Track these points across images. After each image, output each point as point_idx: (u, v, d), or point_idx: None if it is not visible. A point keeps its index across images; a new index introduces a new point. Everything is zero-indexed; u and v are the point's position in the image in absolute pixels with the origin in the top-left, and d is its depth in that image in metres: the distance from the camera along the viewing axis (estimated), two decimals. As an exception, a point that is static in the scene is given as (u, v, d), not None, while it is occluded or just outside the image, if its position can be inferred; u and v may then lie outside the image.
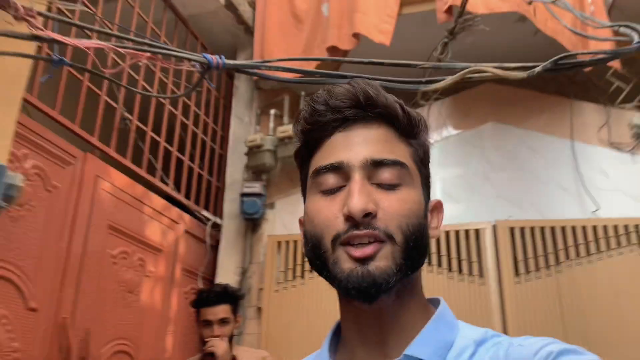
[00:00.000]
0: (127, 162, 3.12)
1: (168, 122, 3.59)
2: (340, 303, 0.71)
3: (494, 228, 3.42)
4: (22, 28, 1.30)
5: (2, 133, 1.84)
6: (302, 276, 3.59)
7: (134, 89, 2.04)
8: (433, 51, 3.23)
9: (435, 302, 0.73)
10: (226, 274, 3.72)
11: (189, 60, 1.48)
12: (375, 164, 0.66)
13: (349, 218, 0.63)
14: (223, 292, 2.75)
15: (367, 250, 0.62)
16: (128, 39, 1.44)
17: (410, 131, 0.71)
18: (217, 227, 3.89)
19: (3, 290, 2.23)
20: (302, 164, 0.75)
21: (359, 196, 0.63)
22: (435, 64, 1.61)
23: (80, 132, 2.77)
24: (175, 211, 3.50)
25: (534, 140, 3.68)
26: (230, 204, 3.94)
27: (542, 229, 3.35)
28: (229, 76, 4.38)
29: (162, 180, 3.45)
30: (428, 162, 0.75)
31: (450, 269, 3.40)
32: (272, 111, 4.04)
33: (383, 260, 0.62)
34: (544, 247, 3.32)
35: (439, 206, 0.75)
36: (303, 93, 4.05)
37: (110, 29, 2.77)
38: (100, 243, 2.80)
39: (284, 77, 1.59)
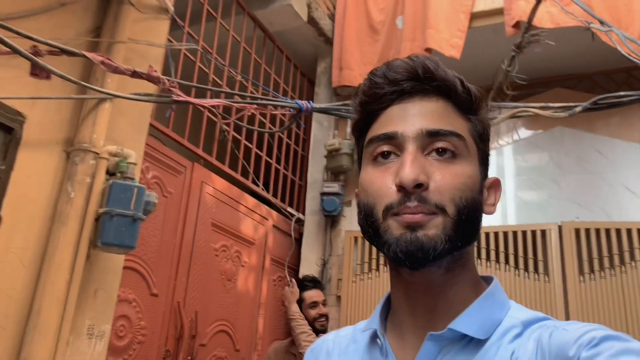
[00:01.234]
0: (226, 168, 3.60)
1: (258, 130, 4.04)
2: (390, 274, 0.72)
3: (560, 229, 3.61)
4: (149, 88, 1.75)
5: (137, 157, 2.32)
6: (377, 269, 3.95)
7: (253, 127, 2.46)
8: (501, 64, 3.45)
9: (488, 280, 0.72)
10: (309, 265, 4.16)
11: (287, 107, 1.86)
12: (431, 135, 0.66)
13: (401, 188, 0.63)
14: (319, 280, 3.27)
15: (417, 217, 0.63)
16: (242, 95, 1.85)
17: (469, 107, 0.70)
18: (300, 222, 4.33)
19: (133, 279, 2.76)
20: (359, 137, 0.75)
21: (410, 166, 0.63)
22: (490, 103, 1.88)
23: (188, 144, 3.26)
24: (264, 208, 3.97)
25: (603, 144, 3.81)
26: (312, 201, 4.36)
27: (608, 230, 3.51)
28: (310, 83, 4.77)
29: (254, 182, 3.92)
30: (487, 139, 0.73)
31: (517, 267, 3.63)
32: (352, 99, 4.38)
33: (432, 229, 0.63)
34: (609, 249, 3.47)
35: (496, 184, 0.74)
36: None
37: (210, 52, 3.22)
38: (205, 238, 3.30)
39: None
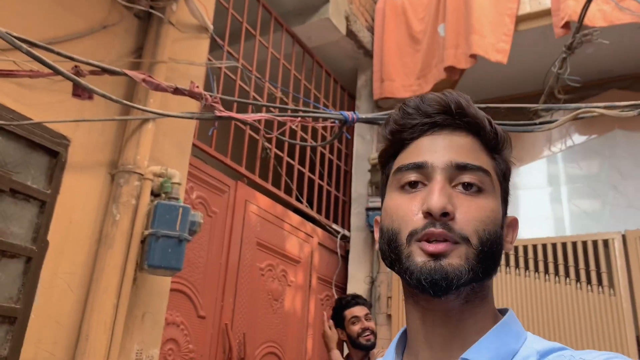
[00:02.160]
0: (269, 186, 3.55)
1: (300, 146, 3.99)
2: (406, 304, 0.72)
3: (624, 238, 3.39)
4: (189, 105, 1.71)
5: (182, 177, 2.29)
6: (428, 285, 3.79)
7: (294, 141, 2.41)
8: (551, 67, 3.30)
9: (504, 312, 0.73)
10: (356, 282, 4.04)
11: (330, 119, 1.79)
12: (459, 168, 0.68)
13: (428, 215, 0.65)
14: (358, 295, 3.11)
15: (441, 246, 0.64)
16: (281, 107, 1.79)
17: (495, 145, 0.72)
18: (346, 239, 4.23)
19: (180, 302, 2.72)
20: (384, 164, 0.77)
21: (439, 195, 0.65)
22: (549, 105, 1.75)
23: (231, 163, 3.23)
24: (309, 226, 3.89)
25: (666, 146, 3.58)
26: (357, 217, 4.26)
27: (678, 239, 3.27)
28: (350, 97, 4.71)
29: (297, 199, 3.85)
30: (509, 178, 0.76)
31: (578, 280, 3.43)
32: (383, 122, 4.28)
33: (456, 259, 0.64)
34: (680, 258, 3.23)
35: (514, 223, 0.76)
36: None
37: (250, 70, 3.20)
38: (250, 257, 3.24)
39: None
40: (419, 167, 0.68)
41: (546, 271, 3.52)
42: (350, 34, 4.26)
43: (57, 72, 1.36)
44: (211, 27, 2.63)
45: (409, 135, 0.72)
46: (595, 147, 3.81)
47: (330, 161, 4.37)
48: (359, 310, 3.05)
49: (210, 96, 1.68)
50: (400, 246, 0.67)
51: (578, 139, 3.90)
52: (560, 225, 3.72)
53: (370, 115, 1.81)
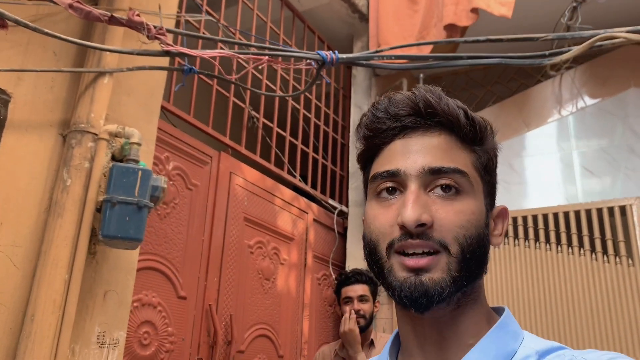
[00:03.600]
0: (257, 158, 3.30)
1: (292, 117, 3.73)
2: (396, 311, 0.71)
3: (642, 204, 3.12)
4: (155, 46, 1.45)
5: (146, 140, 2.04)
6: (431, 261, 3.55)
7: (258, 91, 2.16)
8: (561, 17, 3.01)
9: (500, 311, 0.71)
10: (355, 260, 3.80)
11: (305, 58, 1.53)
12: (433, 172, 0.65)
13: (403, 228, 0.63)
14: (360, 272, 2.90)
15: (421, 261, 0.62)
16: (248, 45, 1.53)
17: (474, 138, 0.69)
18: (343, 215, 3.98)
19: (157, 281, 2.49)
20: (363, 168, 0.75)
21: (412, 207, 0.63)
22: (560, 34, 1.49)
23: (213, 133, 2.98)
24: (303, 201, 3.64)
25: (687, 103, 3.29)
26: (355, 191, 4.01)
27: (702, 202, 2.99)
28: (346, 65, 4.43)
29: (290, 173, 3.61)
30: (493, 169, 0.72)
31: (593, 250, 3.16)
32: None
33: (438, 272, 0.62)
34: None
35: (504, 212, 0.73)
36: (421, 75, 3.98)
37: (233, 34, 2.94)
38: (237, 234, 3.01)
39: (398, 65, 1.59)
40: (393, 175, 0.67)
41: (558, 242, 3.26)
42: (343, -4, 3.98)
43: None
44: (181, -23, 2.36)
45: (381, 140, 0.70)
46: (610, 108, 3.52)
47: (326, 133, 4.11)
48: (354, 290, 2.86)
49: (155, 27, 1.43)
50: (381, 259, 0.66)
51: (590, 100, 3.61)
52: (572, 192, 3.44)
53: (352, 55, 1.55)
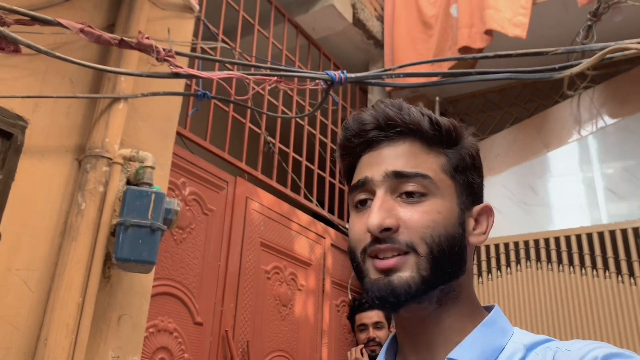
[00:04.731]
0: (273, 183, 3.31)
1: (308, 141, 3.74)
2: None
3: (669, 224, 3.03)
4: (166, 69, 1.48)
5: (161, 164, 2.07)
6: (452, 285, 3.48)
7: (270, 113, 2.17)
8: (576, 36, 2.99)
9: (490, 309, 0.73)
10: (375, 286, 3.74)
11: (314, 79, 1.54)
12: (397, 176, 0.68)
13: (371, 234, 0.67)
14: None
15: (390, 262, 0.65)
16: (257, 66, 1.55)
17: (441, 141, 0.72)
18: (362, 240, 3.94)
19: (173, 307, 2.48)
20: (348, 183, 0.79)
21: (377, 212, 0.66)
22: (569, 47, 1.48)
23: (229, 158, 3.00)
24: (320, 226, 3.62)
25: None
26: (374, 216, 3.97)
27: None
28: (362, 90, 4.46)
29: (306, 197, 3.60)
30: (467, 167, 0.73)
31: (619, 272, 3.07)
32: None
33: (407, 271, 0.65)
34: None
35: (486, 210, 0.74)
36: (437, 98, 3.98)
37: (248, 60, 2.99)
38: (254, 260, 2.99)
39: (408, 83, 1.59)
40: (363, 184, 0.70)
41: (582, 264, 3.17)
42: (358, 22, 4.02)
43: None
44: (196, 6, 2.42)
45: (353, 157, 0.75)
46: (630, 127, 3.45)
47: (343, 158, 4.11)
48: (369, 317, 2.81)
49: (164, 50, 1.46)
50: (359, 265, 0.69)
51: (610, 119, 3.55)
52: (596, 213, 3.36)
53: (360, 74, 1.55)
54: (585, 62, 1.40)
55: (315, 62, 3.96)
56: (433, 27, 3.93)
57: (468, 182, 0.73)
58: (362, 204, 0.71)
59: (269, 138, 3.34)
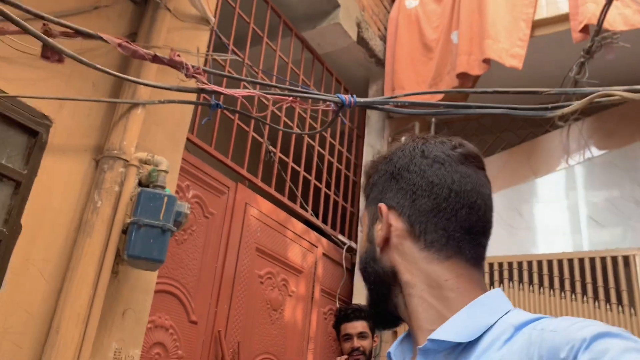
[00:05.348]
0: (272, 191, 3.42)
1: (307, 153, 3.87)
2: None
3: (646, 255, 3.19)
4: (190, 82, 1.60)
5: (171, 168, 2.18)
6: (437, 301, 3.61)
7: (277, 127, 2.30)
8: (569, 72, 3.15)
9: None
10: (362, 297, 3.86)
11: (326, 101, 1.67)
12: None
13: None
14: (359, 308, 2.95)
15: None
16: (273, 86, 1.67)
17: (366, 187, 0.84)
18: (352, 251, 4.07)
19: (171, 305, 2.58)
20: None
21: None
22: (562, 90, 1.62)
23: (232, 164, 3.12)
24: (314, 235, 3.74)
25: (691, 159, 3.38)
26: (365, 229, 4.10)
27: None
28: (361, 108, 4.59)
29: (302, 207, 3.72)
30: (373, 182, 0.83)
31: (596, 298, 3.21)
32: (403, 138, 4.15)
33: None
34: None
35: (380, 209, 0.78)
36: (433, 120, 4.12)
37: (256, 72, 3.11)
38: (249, 264, 3.10)
39: (411, 111, 1.71)
40: None
41: (562, 288, 3.32)
42: (362, 41, 4.17)
43: (23, 29, 1.26)
44: (212, 19, 2.54)
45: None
46: (616, 160, 3.62)
47: (339, 170, 4.24)
48: (353, 327, 2.90)
49: (193, 67, 1.58)
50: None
51: (597, 151, 3.72)
52: (578, 240, 3.52)
53: (369, 99, 1.68)
54: (575, 105, 1.54)
55: (318, 76, 4.10)
56: (433, 51, 4.08)
57: (371, 196, 0.82)
58: None
59: (271, 147, 3.46)
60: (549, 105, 1.55)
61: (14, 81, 1.75)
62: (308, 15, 3.91)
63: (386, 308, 0.76)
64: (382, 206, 0.77)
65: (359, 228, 4.16)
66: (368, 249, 0.77)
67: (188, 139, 2.80)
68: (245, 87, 2.03)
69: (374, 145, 4.38)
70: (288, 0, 3.79)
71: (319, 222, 3.83)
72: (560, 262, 3.37)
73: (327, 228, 3.91)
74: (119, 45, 1.50)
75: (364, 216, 0.82)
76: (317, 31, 3.95)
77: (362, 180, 0.83)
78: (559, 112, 1.55)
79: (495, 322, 0.66)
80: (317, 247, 3.75)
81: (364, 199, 0.84)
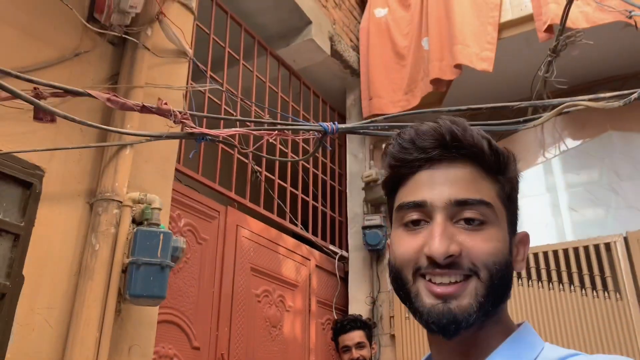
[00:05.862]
0: (261, 210, 3.48)
1: (292, 169, 3.94)
2: (427, 332, 0.73)
3: (626, 240, 3.31)
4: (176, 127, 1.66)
5: (163, 202, 2.23)
6: (431, 302, 3.70)
7: (262, 154, 2.36)
8: (537, 71, 3.26)
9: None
10: (358, 304, 3.94)
11: (310, 130, 1.74)
12: (459, 204, 0.67)
13: (430, 258, 0.65)
14: (355, 319, 3.00)
15: (449, 289, 0.65)
16: (256, 121, 1.74)
17: (497, 168, 0.70)
18: (344, 260, 4.14)
19: (172, 334, 2.63)
20: (389, 194, 0.76)
21: (440, 239, 0.65)
22: (532, 102, 1.71)
23: (220, 188, 3.17)
24: (305, 248, 3.81)
25: (661, 143, 3.52)
26: (354, 236, 4.18)
27: (681, 237, 3.19)
28: (340, 116, 4.67)
29: (292, 221, 3.78)
30: (515, 197, 0.74)
31: (583, 286, 3.33)
32: (384, 145, 4.24)
33: (466, 298, 0.65)
34: (686, 257, 3.15)
35: (525, 238, 0.74)
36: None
37: (235, 96, 3.17)
38: (245, 284, 3.16)
39: (390, 133, 1.80)
40: (419, 205, 0.68)
41: (549, 279, 3.43)
42: (336, 54, 4.25)
43: (14, 94, 1.31)
44: (190, 51, 2.60)
45: (407, 170, 0.71)
46: (590, 150, 3.75)
47: (324, 181, 4.31)
48: (350, 338, 2.94)
49: (180, 112, 1.64)
50: (407, 284, 0.68)
51: (572, 143, 3.85)
52: (561, 231, 3.63)
53: (350, 125, 1.76)
54: (545, 117, 1.63)
55: (296, 90, 4.17)
56: (406, 58, 4.17)
57: (514, 210, 0.73)
58: (415, 224, 0.69)
59: (256, 167, 3.52)
60: (521, 119, 1.64)
61: (3, 136, 1.79)
62: (281, 33, 3.98)
63: (495, 308, 0.68)
64: (526, 237, 0.74)
65: (362, 229, 4.23)
66: (510, 262, 0.69)
67: (176, 169, 2.85)
68: (227, 119, 2.09)
69: (356, 154, 4.46)
70: (261, 21, 3.85)
71: (309, 235, 3.90)
72: (545, 254, 3.48)
73: (318, 240, 3.99)
74: (108, 99, 1.55)
75: (496, 212, 0.68)
76: (291, 48, 4.02)
77: (485, 147, 0.68)
78: (530, 124, 1.64)
79: (536, 358, 0.65)
80: (309, 260, 3.82)
81: (489, 176, 0.70)
